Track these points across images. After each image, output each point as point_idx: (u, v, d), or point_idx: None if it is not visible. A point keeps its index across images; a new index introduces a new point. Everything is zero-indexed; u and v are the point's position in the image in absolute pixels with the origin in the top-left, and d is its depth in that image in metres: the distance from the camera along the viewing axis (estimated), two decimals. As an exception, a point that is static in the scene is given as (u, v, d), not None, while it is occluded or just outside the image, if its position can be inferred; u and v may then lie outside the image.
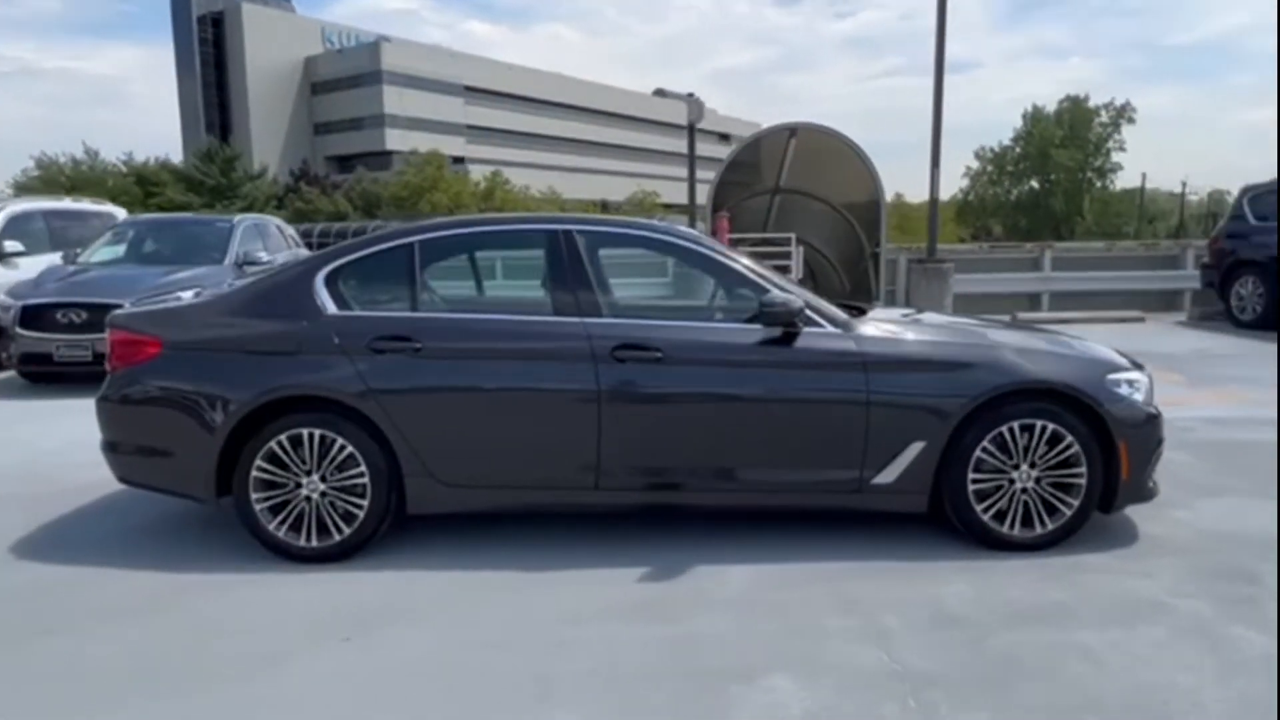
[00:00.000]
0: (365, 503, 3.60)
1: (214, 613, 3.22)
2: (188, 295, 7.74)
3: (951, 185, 57.55)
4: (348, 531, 3.61)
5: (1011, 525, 3.65)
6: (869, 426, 3.60)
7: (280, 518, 3.60)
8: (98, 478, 4.80)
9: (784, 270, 8.33)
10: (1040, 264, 13.19)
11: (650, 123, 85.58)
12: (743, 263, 3.86)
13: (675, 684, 2.66)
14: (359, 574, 3.52)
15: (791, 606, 3.18)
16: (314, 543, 3.61)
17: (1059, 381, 3.62)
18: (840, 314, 3.78)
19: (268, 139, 64.00)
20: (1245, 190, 10.92)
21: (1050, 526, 3.65)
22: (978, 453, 3.61)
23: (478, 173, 54.95)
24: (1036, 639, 2.90)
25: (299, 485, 3.60)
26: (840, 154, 12.65)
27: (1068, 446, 3.61)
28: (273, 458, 3.58)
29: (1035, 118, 55.69)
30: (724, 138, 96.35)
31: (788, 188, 13.56)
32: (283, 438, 3.58)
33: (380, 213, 47.99)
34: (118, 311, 4.00)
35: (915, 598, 3.23)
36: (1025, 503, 3.65)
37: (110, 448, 3.85)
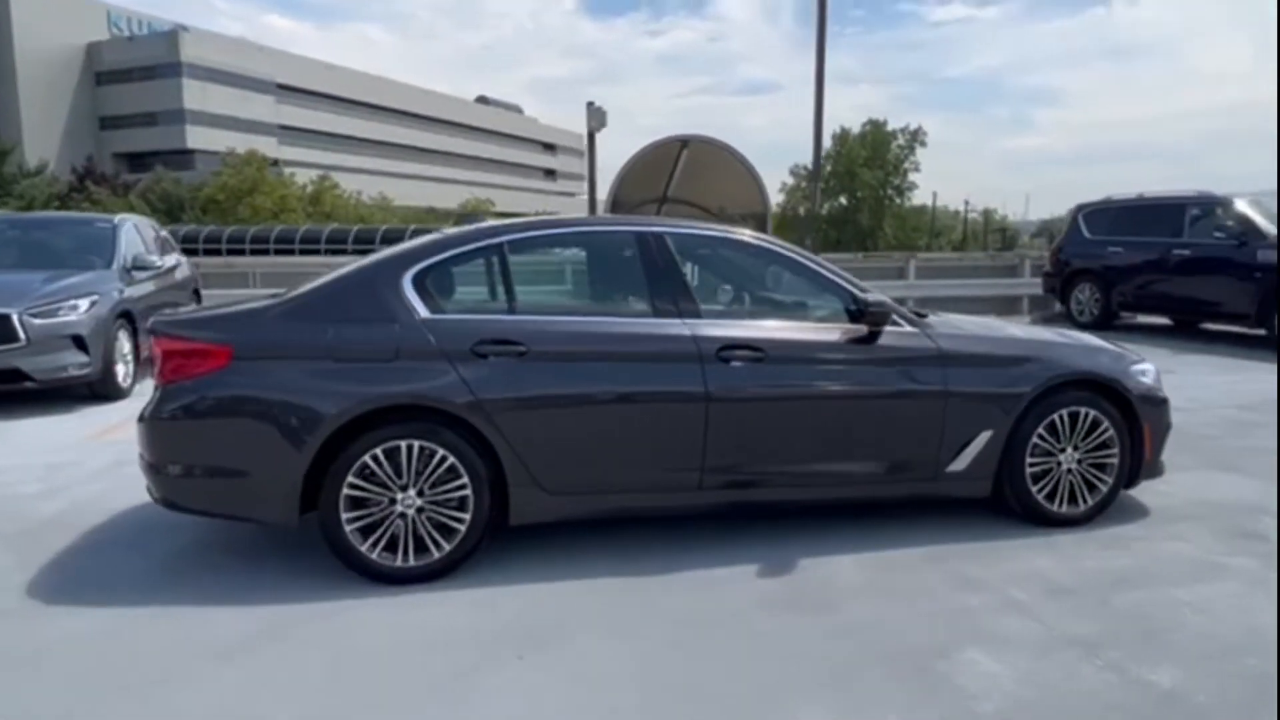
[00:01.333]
0: (467, 515, 3.42)
1: (341, 641, 2.94)
2: (84, 304, 7.01)
3: (770, 199, 60.84)
4: (448, 547, 3.41)
5: (1060, 503, 4.04)
6: (945, 417, 3.87)
7: (373, 538, 3.35)
8: (58, 509, 4.30)
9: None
10: (905, 272, 14.37)
11: (476, 130, 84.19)
12: (829, 267, 4.02)
13: (881, 666, 2.76)
14: (469, 592, 3.34)
15: (922, 589, 3.37)
16: (412, 561, 3.37)
17: (1102, 373, 4.05)
18: (912, 314, 4.03)
19: (43, 132, 56.82)
20: (1080, 208, 12.44)
21: (1090, 503, 4.07)
22: (1033, 439, 3.98)
23: (297, 176, 51.74)
24: (1144, 599, 3.26)
25: (393, 501, 3.36)
26: (728, 166, 13.21)
27: (1104, 430, 4.05)
28: (365, 472, 3.32)
29: (843, 139, 60.05)
30: (549, 147, 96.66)
31: (675, 198, 13.92)
32: (378, 450, 3.33)
33: (186, 216, 44.06)
34: (161, 318, 3.54)
35: (1019, 572, 3.51)
36: (1070, 483, 4.05)
37: (155, 470, 3.40)
